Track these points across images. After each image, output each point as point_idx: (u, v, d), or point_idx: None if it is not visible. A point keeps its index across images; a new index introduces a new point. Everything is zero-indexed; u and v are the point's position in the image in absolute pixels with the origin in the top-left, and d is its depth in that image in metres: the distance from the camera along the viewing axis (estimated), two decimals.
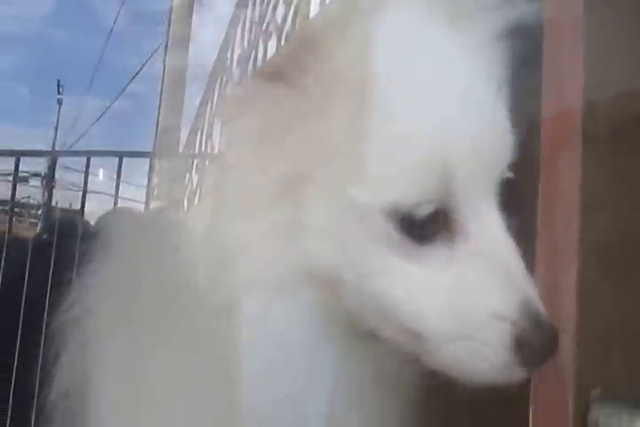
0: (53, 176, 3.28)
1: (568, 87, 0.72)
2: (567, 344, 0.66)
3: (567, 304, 0.68)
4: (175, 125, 3.28)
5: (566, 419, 0.66)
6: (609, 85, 0.72)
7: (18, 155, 2.89)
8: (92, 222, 2.67)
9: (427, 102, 0.67)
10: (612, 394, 0.66)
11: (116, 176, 2.88)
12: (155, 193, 3.16)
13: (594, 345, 0.68)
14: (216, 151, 2.83)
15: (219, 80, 2.86)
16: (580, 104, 0.71)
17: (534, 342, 0.60)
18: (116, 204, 2.95)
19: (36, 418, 1.43)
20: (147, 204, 2.84)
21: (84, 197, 3.00)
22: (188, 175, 2.90)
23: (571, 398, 0.66)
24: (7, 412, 2.54)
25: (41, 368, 0.93)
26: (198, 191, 2.43)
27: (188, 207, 2.49)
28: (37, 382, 1.45)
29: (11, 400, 2.53)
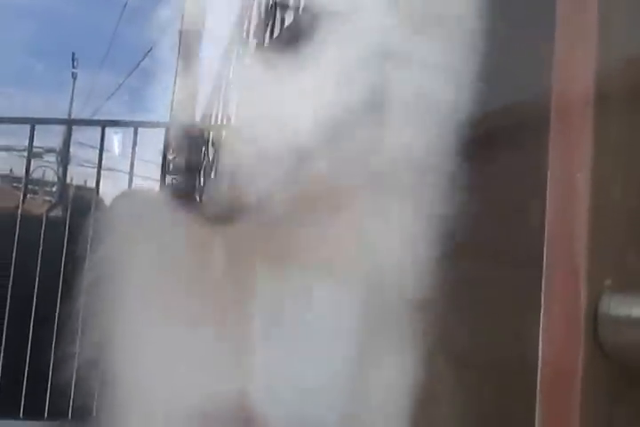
0: (68, 151, 3.22)
1: (580, 55, 0.72)
2: (580, 235, 0.69)
3: (581, 196, 0.70)
4: (190, 98, 3.21)
5: (578, 309, 0.69)
6: (622, 53, 0.72)
7: (33, 122, 2.83)
8: (107, 200, 2.62)
9: None
10: (623, 285, 0.69)
11: (131, 152, 2.81)
12: (170, 168, 3.10)
13: (607, 237, 0.70)
14: (232, 124, 2.77)
15: (235, 51, 2.78)
16: (593, 72, 0.71)
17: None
18: (131, 180, 2.88)
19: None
20: (162, 180, 2.78)
21: (98, 173, 2.94)
22: (204, 148, 2.84)
23: (583, 288, 0.69)
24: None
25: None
26: (215, 164, 2.36)
27: (204, 181, 2.41)
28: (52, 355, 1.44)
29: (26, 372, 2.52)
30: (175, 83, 3.31)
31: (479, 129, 1.08)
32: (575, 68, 0.72)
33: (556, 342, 0.70)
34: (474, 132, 1.07)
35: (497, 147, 0.94)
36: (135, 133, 2.77)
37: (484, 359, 0.94)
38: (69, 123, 3.60)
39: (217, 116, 2.90)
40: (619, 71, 0.72)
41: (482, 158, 0.96)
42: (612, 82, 0.71)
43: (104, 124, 2.85)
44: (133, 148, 2.76)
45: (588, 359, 0.67)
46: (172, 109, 3.41)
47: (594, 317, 0.68)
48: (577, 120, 0.70)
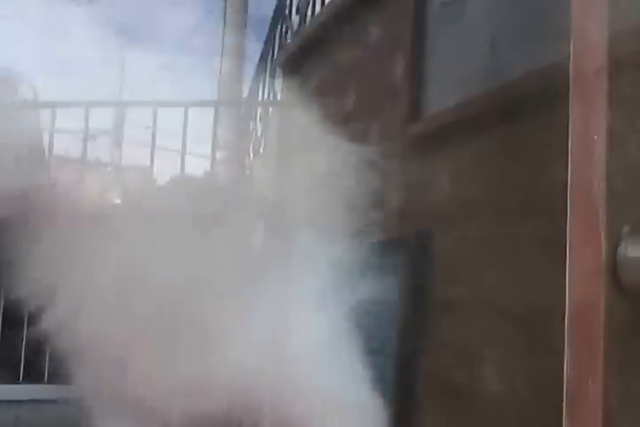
0: (121, 132, 3.31)
1: (594, 19, 0.76)
2: (600, 184, 0.75)
3: (598, 154, 0.76)
4: (237, 75, 3.29)
5: (599, 253, 0.75)
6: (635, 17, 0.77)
7: (87, 106, 2.91)
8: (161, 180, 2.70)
9: None
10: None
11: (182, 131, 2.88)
12: (220, 144, 3.19)
13: (626, 185, 0.78)
14: (278, 100, 2.86)
15: (279, 28, 2.85)
16: (607, 37, 0.75)
17: None
18: (183, 159, 2.95)
19: None
20: (213, 157, 2.86)
21: (152, 153, 3.01)
22: (251, 124, 2.93)
23: (603, 234, 0.75)
24: None
25: None
26: (262, 139, 2.44)
27: (252, 156, 2.50)
28: None
29: None
30: (222, 63, 3.38)
31: (505, 95, 1.14)
32: (590, 33, 0.75)
33: (580, 283, 0.76)
34: (501, 98, 1.14)
35: (524, 110, 1.01)
36: (186, 113, 2.83)
37: (519, 307, 1.02)
38: (121, 104, 3.69)
39: (263, 93, 2.92)
40: (632, 35, 0.77)
41: (509, 121, 1.02)
42: (626, 46, 0.76)
43: (155, 106, 2.92)
44: (184, 127, 2.84)
45: (609, 297, 0.74)
46: (219, 89, 3.49)
47: (614, 259, 0.75)
48: (593, 84, 0.77)
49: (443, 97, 1.46)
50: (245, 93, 3.31)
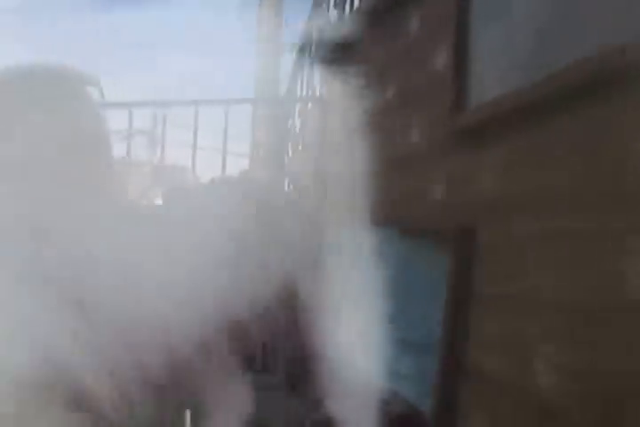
0: (162, 132, 3.29)
1: None
2: None
3: None
4: (274, 72, 3.25)
5: None
6: None
7: (128, 106, 2.89)
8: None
9: None
10: None
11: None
12: (258, 141, 3.15)
13: None
14: (317, 95, 2.81)
15: (316, 24, 2.79)
16: None
17: None
18: (224, 158, 2.90)
19: None
20: (252, 155, 2.82)
21: (194, 152, 2.97)
22: (290, 120, 2.88)
23: None
24: None
25: None
26: (301, 136, 2.39)
27: (291, 152, 2.45)
28: None
29: None
30: (257, 61, 3.32)
31: (556, 83, 1.08)
32: None
33: None
34: (552, 87, 1.08)
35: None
36: (227, 110, 2.77)
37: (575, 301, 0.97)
38: (161, 104, 3.67)
39: (301, 89, 2.88)
40: None
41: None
42: None
43: (196, 104, 2.88)
44: (225, 124, 2.78)
45: None
46: (256, 87, 3.43)
47: None
48: None
49: (489, 87, 1.40)
50: (281, 91, 3.27)
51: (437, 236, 1.53)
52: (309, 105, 2.63)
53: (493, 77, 1.40)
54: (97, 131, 1.48)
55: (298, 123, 2.57)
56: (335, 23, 2.52)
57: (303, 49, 2.87)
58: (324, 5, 2.83)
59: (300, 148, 2.41)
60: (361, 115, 1.58)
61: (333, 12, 2.66)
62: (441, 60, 1.60)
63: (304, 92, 2.74)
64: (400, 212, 1.67)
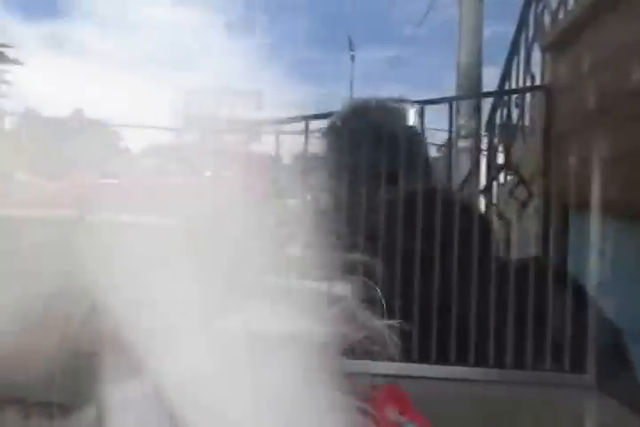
0: None
1: None
2: None
3: None
4: (476, 64, 3.15)
5: None
6: None
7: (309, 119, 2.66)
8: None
9: None
10: None
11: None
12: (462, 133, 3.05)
13: None
14: (537, 84, 2.66)
15: (533, 7, 2.64)
16: None
17: None
18: (450, 155, 2.76)
19: None
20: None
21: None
22: (501, 111, 2.75)
23: None
24: None
25: None
26: (520, 128, 2.27)
27: (514, 144, 2.35)
28: None
29: None
30: (459, 51, 3.23)
31: None
32: None
33: None
34: None
35: None
36: (450, 108, 2.57)
37: None
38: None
39: (517, 77, 2.75)
40: None
41: None
42: None
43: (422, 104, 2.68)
44: (450, 124, 2.60)
45: None
46: (457, 82, 3.33)
47: None
48: None
49: None
50: (483, 83, 3.15)
51: None
52: (528, 95, 2.48)
53: None
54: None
55: (516, 113, 2.44)
56: (556, 8, 2.37)
57: (517, 36, 2.73)
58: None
59: (521, 139, 2.29)
60: (595, 102, 1.46)
61: None
62: None
63: (521, 82, 2.59)
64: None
